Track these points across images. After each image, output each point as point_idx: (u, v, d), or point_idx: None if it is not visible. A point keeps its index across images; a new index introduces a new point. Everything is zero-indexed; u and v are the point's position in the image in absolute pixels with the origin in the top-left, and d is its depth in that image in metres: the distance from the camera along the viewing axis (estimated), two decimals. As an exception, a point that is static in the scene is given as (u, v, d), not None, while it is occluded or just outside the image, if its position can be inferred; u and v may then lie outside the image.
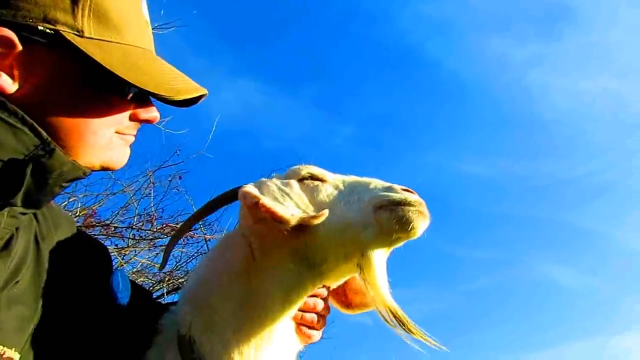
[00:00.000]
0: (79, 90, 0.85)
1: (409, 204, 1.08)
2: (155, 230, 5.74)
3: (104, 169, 0.95)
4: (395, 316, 1.06)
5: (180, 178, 6.02)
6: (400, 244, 1.13)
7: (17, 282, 0.87)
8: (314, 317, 1.25)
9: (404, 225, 1.06)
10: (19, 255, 0.88)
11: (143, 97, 0.93)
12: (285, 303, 1.11)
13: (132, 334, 1.16)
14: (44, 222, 1.01)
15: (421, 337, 1.05)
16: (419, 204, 1.09)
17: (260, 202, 1.03)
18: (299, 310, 1.18)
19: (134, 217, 5.80)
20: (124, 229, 5.51)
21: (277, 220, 1.02)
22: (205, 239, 6.62)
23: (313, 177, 1.26)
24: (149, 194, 5.92)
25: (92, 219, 5.28)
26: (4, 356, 0.83)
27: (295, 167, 1.32)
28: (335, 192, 1.20)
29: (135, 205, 5.73)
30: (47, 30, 0.79)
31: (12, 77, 0.80)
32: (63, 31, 0.80)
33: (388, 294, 1.08)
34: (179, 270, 7.32)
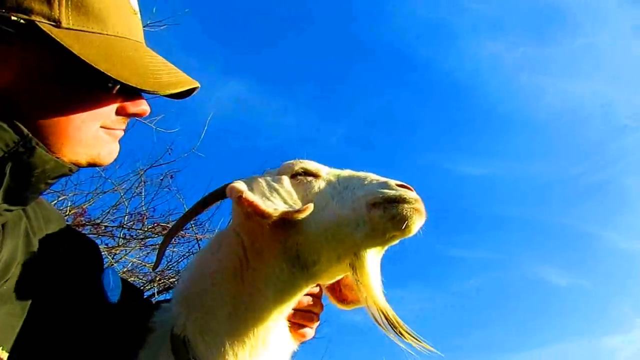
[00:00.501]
0: (58, 85, 0.81)
1: (404, 200, 1.04)
2: (146, 229, 5.69)
3: (92, 165, 0.91)
4: (387, 318, 1.03)
5: (171, 177, 5.98)
6: (395, 242, 1.10)
7: (7, 280, 0.85)
8: (307, 315, 1.24)
9: (398, 223, 1.03)
10: (9, 252, 0.86)
11: (131, 90, 0.88)
12: (278, 303, 1.09)
13: (123, 332, 1.14)
14: (35, 217, 0.98)
15: (412, 340, 1.03)
16: (415, 201, 1.05)
17: (243, 196, 1.01)
18: (292, 308, 1.17)
19: (125, 216, 5.75)
20: (114, 228, 5.46)
21: (259, 214, 1.00)
22: (196, 239, 6.58)
23: (306, 173, 1.23)
24: (140, 192, 5.87)
25: (82, 218, 5.22)
26: None
27: (288, 162, 1.30)
28: (329, 188, 1.17)
29: (126, 204, 5.68)
30: (21, 21, 0.74)
31: None
32: (38, 21, 0.75)
33: (381, 295, 1.06)
34: (170, 269, 7.26)
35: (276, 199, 1.10)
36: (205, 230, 6.82)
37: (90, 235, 5.60)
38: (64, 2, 0.78)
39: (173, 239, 6.83)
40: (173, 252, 6.72)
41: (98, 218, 5.80)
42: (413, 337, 1.04)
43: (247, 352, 1.04)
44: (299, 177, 1.22)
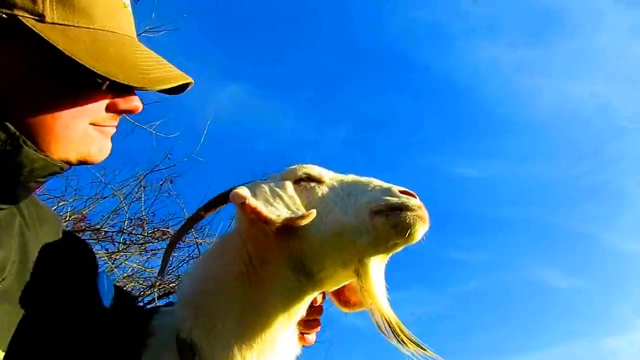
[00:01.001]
0: (45, 82, 0.79)
1: (407, 208, 1.04)
2: (146, 234, 5.68)
3: (83, 162, 0.89)
4: (390, 326, 1.04)
5: (171, 182, 5.98)
6: (399, 249, 1.10)
7: (3, 279, 0.84)
8: (308, 322, 1.24)
9: (402, 231, 1.03)
10: (4, 251, 0.85)
11: (121, 86, 0.85)
12: (286, 309, 1.09)
13: (117, 336, 1.13)
14: (29, 216, 0.97)
15: (416, 349, 1.03)
16: (418, 208, 1.05)
17: (247, 202, 1.02)
18: None
19: (125, 221, 5.75)
20: (114, 233, 5.45)
21: (262, 221, 1.00)
22: (196, 243, 6.57)
23: (310, 178, 1.23)
24: (140, 197, 5.87)
25: (82, 223, 5.22)
26: None
27: (292, 167, 1.30)
28: (332, 194, 1.17)
29: (126, 209, 5.68)
30: (3, 16, 0.72)
31: None
32: (21, 16, 0.73)
33: (385, 302, 1.06)
34: (169, 274, 7.26)
35: (279, 204, 1.10)
36: (205, 234, 6.82)
37: (90, 241, 5.59)
38: None
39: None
40: (173, 256, 6.72)
41: (98, 223, 5.81)
42: (417, 344, 1.04)
43: (254, 356, 1.04)
44: (302, 183, 1.22)
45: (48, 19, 0.75)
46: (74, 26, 0.78)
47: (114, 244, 5.59)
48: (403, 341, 1.03)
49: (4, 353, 0.83)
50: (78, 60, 0.75)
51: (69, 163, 0.87)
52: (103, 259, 6.16)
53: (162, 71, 0.87)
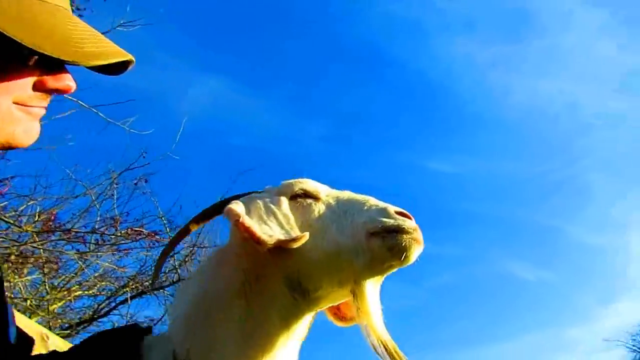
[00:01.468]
0: None
1: (402, 230, 1.05)
2: (119, 234, 5.53)
3: (8, 146, 0.81)
4: (386, 348, 1.03)
5: (146, 181, 5.83)
6: (394, 270, 1.11)
7: None
8: None
9: (397, 253, 1.04)
10: None
11: (51, 62, 0.77)
12: (285, 328, 1.08)
13: None
14: None
15: None
16: (413, 231, 1.06)
17: (240, 220, 1.01)
18: None
19: (97, 220, 5.58)
20: (85, 233, 5.29)
21: (254, 241, 0.99)
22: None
23: (306, 194, 1.22)
24: (112, 196, 5.71)
25: (52, 223, 5.04)
26: None
27: (288, 181, 1.28)
28: (328, 212, 1.16)
29: (98, 208, 5.51)
30: None
31: None
32: None
33: (381, 324, 1.06)
34: (143, 274, 7.12)
35: (273, 223, 1.09)
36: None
37: (60, 242, 5.40)
38: None
39: (146, 243, 6.69)
40: (147, 255, 6.60)
41: (69, 222, 5.62)
42: None
43: None
44: (299, 200, 1.21)
45: None
46: None
47: (85, 244, 5.41)
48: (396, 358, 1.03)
49: None
50: None
51: None
52: (73, 259, 5.98)
53: (97, 46, 0.79)
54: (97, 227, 5.28)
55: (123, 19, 5.15)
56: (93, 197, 5.35)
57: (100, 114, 5.06)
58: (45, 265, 5.85)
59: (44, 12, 0.75)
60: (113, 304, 7.10)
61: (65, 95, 0.87)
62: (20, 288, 5.95)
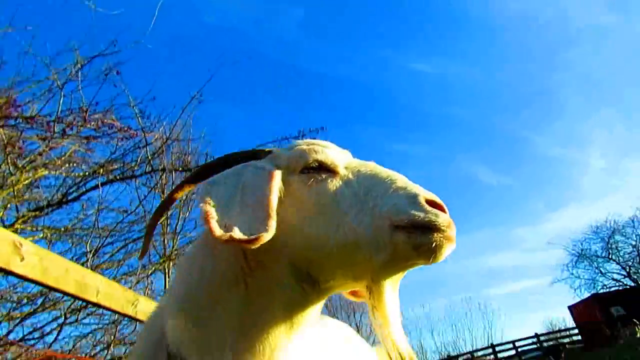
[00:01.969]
0: None
1: (434, 228, 0.88)
2: (88, 126, 5.18)
3: None
4: (400, 356, 0.94)
5: (118, 73, 5.30)
6: (416, 267, 0.95)
7: None
8: None
9: (424, 254, 0.89)
10: None
11: None
12: (288, 320, 0.96)
13: None
14: None
15: None
16: (447, 227, 0.89)
17: (204, 207, 0.89)
18: None
19: (59, 104, 5.14)
20: (50, 122, 4.91)
21: (210, 233, 0.85)
22: (144, 134, 6.17)
23: (322, 167, 1.03)
24: (79, 83, 5.22)
25: (11, 109, 4.61)
26: None
27: (302, 148, 1.07)
28: (348, 192, 0.98)
29: (62, 94, 5.06)
30: None
31: None
32: None
33: (399, 330, 0.95)
34: (113, 161, 6.90)
35: (243, 209, 0.91)
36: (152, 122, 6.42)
37: (21, 125, 5.02)
38: None
39: (116, 132, 6.37)
40: (118, 145, 6.32)
41: (29, 101, 5.16)
42: None
43: None
44: (312, 174, 1.02)
45: None
46: None
47: (50, 131, 5.05)
48: None
49: None
50: None
51: None
52: (36, 142, 5.66)
53: None
54: (62, 116, 4.88)
55: None
56: (58, 82, 4.86)
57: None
58: (6, 147, 5.53)
59: None
60: (83, 189, 6.96)
61: None
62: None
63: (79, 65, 5.29)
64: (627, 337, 15.43)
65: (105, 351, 5.58)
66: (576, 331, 21.98)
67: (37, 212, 6.41)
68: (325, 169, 1.03)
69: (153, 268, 6.77)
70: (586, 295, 24.95)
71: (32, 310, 5.37)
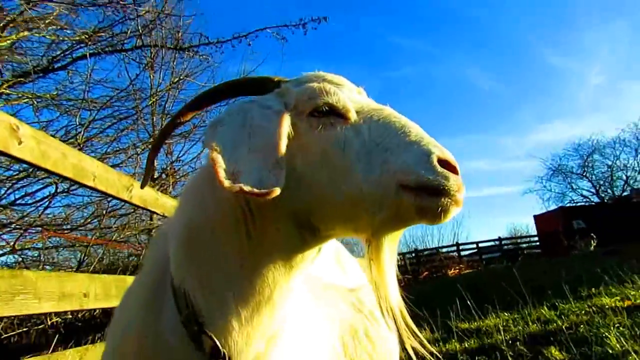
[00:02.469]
0: None
1: (443, 192, 0.85)
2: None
3: None
4: (391, 309, 0.98)
5: None
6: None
7: None
8: None
9: (429, 218, 0.87)
10: None
11: None
12: (287, 263, 0.98)
13: None
14: None
15: (409, 338, 1.02)
16: (456, 191, 0.86)
17: (211, 154, 0.85)
18: None
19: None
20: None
21: (217, 182, 0.82)
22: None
23: (332, 110, 0.98)
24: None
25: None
26: None
27: (311, 86, 1.01)
28: (356, 143, 0.94)
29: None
30: None
31: None
32: None
33: (393, 283, 0.98)
34: (102, 31, 6.52)
35: (251, 155, 0.88)
36: None
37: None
38: None
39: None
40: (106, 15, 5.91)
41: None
42: (412, 333, 1.03)
43: (251, 312, 0.96)
44: (321, 118, 0.97)
45: None
46: None
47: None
48: (398, 326, 1.01)
49: None
50: None
51: None
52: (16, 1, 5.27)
53: None
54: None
55: None
56: None
57: None
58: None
59: None
60: (70, 58, 6.67)
61: None
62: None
63: None
64: (582, 248, 16.62)
65: (97, 221, 5.86)
66: (536, 239, 23.61)
67: (22, 79, 6.21)
68: (336, 114, 0.98)
69: (143, 147, 6.82)
70: (553, 208, 26.36)
71: (25, 173, 5.45)
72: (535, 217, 24.76)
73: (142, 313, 1.02)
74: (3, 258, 5.20)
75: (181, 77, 8.05)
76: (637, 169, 28.25)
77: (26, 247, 5.45)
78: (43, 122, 6.14)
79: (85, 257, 5.81)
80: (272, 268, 0.97)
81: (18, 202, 5.46)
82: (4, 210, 5.34)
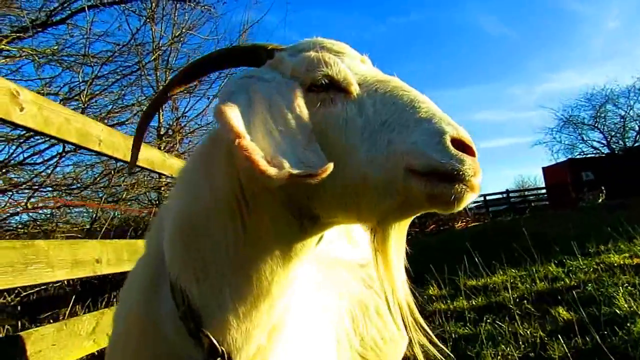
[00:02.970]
0: None
1: (457, 178, 0.75)
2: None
3: None
4: (399, 303, 0.92)
5: None
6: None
7: None
8: None
9: (441, 206, 0.78)
10: None
11: None
12: (285, 254, 0.91)
13: None
14: None
15: (416, 332, 0.98)
16: (472, 176, 0.76)
17: (242, 142, 0.70)
18: None
19: None
20: None
21: (258, 174, 0.69)
22: None
23: (333, 84, 0.87)
24: None
25: None
26: None
27: (308, 56, 0.90)
28: (359, 122, 0.84)
29: None
30: None
31: None
32: None
33: (401, 275, 0.91)
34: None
35: (284, 140, 0.77)
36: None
37: None
38: None
39: None
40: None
41: None
42: (419, 327, 0.98)
43: (248, 306, 0.91)
44: (320, 93, 0.87)
45: None
46: None
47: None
48: (404, 318, 0.96)
49: None
50: None
51: None
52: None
53: None
54: None
55: None
56: None
57: None
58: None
59: None
60: (69, 11, 6.46)
61: None
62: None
63: None
64: (590, 200, 16.61)
65: (106, 180, 5.88)
66: (544, 191, 23.58)
67: (21, 34, 6.05)
68: (336, 87, 0.88)
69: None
70: (563, 159, 26.11)
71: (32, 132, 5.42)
72: (544, 169, 24.62)
73: (143, 308, 1.00)
74: (17, 217, 5.27)
75: (183, 30, 7.80)
76: (651, 118, 27.61)
77: (39, 205, 5.51)
78: (45, 78, 6.03)
79: (97, 217, 5.87)
80: (269, 260, 0.90)
81: (27, 161, 5.46)
82: (13, 169, 5.36)
